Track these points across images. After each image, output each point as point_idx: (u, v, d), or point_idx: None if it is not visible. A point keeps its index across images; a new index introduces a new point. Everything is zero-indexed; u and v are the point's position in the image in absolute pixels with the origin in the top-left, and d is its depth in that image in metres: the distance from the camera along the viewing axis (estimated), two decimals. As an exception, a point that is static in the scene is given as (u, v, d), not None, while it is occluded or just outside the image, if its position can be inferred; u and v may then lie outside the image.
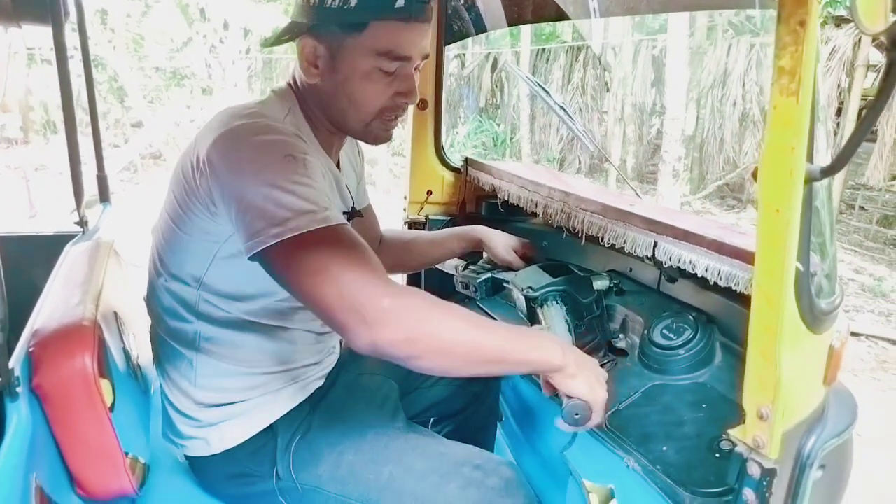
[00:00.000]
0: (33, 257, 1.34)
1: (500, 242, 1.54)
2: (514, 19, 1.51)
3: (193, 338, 1.10)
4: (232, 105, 1.07)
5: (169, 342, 1.13)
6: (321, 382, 1.27)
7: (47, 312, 0.93)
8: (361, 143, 1.36)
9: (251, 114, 1.00)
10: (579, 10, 1.37)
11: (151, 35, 10.22)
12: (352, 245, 0.87)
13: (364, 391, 1.32)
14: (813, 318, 0.81)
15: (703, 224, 1.18)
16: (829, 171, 0.69)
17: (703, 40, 8.43)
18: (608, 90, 10.13)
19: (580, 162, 10.33)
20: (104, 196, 1.60)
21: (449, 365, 0.88)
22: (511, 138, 10.74)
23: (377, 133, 1.11)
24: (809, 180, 0.71)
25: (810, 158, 0.72)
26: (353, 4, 0.97)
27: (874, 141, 8.16)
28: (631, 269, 1.56)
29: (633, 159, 9.84)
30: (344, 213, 1.22)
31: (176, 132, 8.42)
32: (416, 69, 1.08)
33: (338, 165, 1.22)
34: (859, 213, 8.06)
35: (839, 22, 7.19)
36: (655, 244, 1.19)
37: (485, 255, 1.67)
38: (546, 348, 0.96)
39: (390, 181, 8.37)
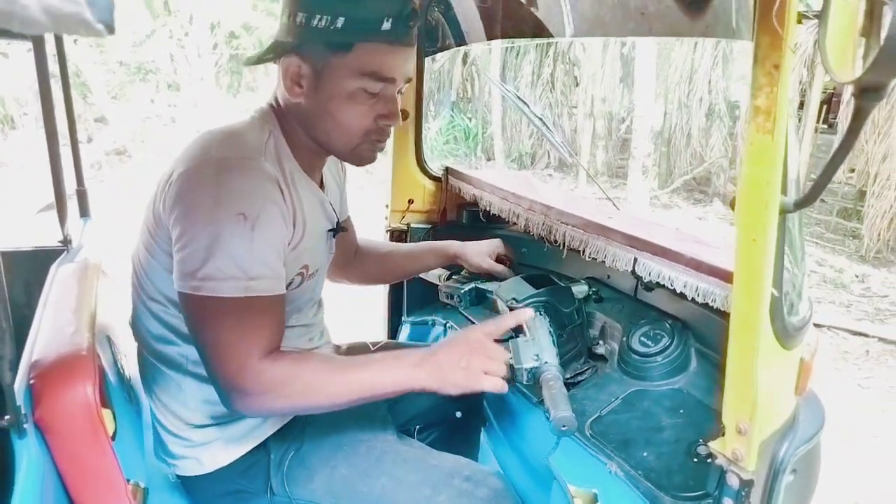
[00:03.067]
0: (13, 275, 1.32)
1: (474, 252, 1.56)
2: (493, 34, 1.54)
3: (180, 360, 1.11)
4: (214, 129, 1.07)
5: (156, 365, 1.14)
6: None
7: (44, 342, 0.93)
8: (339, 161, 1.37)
9: (227, 145, 1.01)
10: (557, 29, 1.41)
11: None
12: (258, 318, 0.96)
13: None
14: (786, 336, 0.86)
15: (681, 238, 1.23)
16: (801, 205, 0.74)
17: (671, 38, 8.56)
18: (577, 85, 10.23)
19: (549, 157, 10.43)
20: (84, 211, 1.59)
21: (323, 411, 1.03)
22: (483, 133, 10.78)
23: (363, 154, 1.12)
24: (783, 212, 0.76)
25: (784, 191, 0.77)
26: (339, 25, 0.97)
27: (835, 134, 8.44)
28: (609, 277, 1.61)
29: (602, 154, 9.98)
30: (329, 230, 1.24)
31: (141, 128, 8.25)
32: (399, 92, 1.09)
33: (321, 183, 1.23)
34: (820, 205, 8.32)
35: (800, 18, 7.38)
36: (635, 260, 1.24)
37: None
38: (408, 377, 1.03)
39: (364, 178, 8.35)
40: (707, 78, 7.92)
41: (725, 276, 1.07)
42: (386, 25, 0.98)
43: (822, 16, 0.67)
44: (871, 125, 7.22)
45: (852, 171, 8.10)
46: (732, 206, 0.80)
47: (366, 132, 1.08)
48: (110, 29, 0.37)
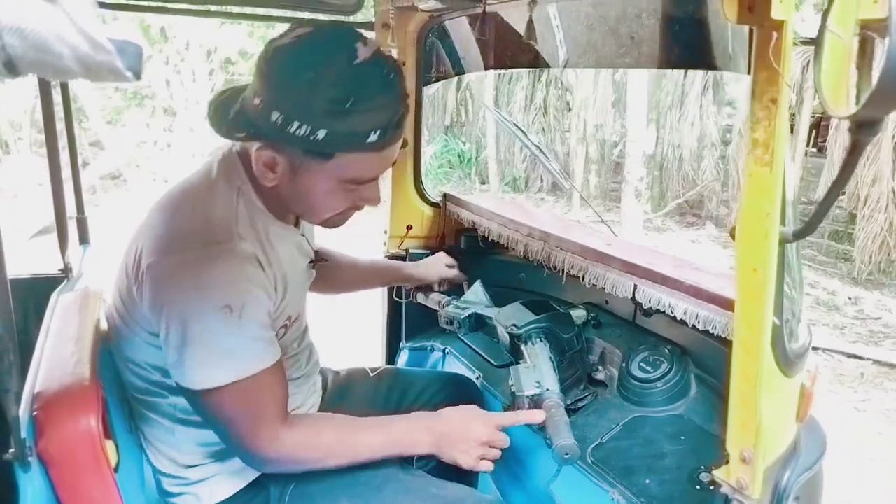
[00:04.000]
0: (14, 303, 1.31)
1: (428, 267, 1.70)
2: (490, 64, 1.56)
3: (169, 410, 1.11)
4: (178, 199, 1.04)
5: (146, 413, 1.13)
6: None
7: (46, 373, 0.92)
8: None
9: (198, 228, 0.97)
10: (552, 59, 1.44)
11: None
12: (264, 391, 0.99)
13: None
14: (787, 363, 0.87)
15: (680, 265, 1.24)
16: (800, 235, 0.75)
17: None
18: (570, 110, 10.34)
19: (543, 181, 10.51)
20: (84, 238, 1.59)
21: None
22: (477, 157, 10.85)
23: (335, 223, 1.10)
24: (783, 242, 0.77)
25: (783, 221, 0.79)
26: (320, 137, 0.90)
27: (824, 157, 8.53)
28: (607, 302, 1.62)
29: (595, 178, 10.05)
30: (309, 262, 1.24)
31: (136, 153, 8.28)
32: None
33: (297, 221, 1.19)
34: (729, 232, 8.32)
35: (794, 41, 7.52)
36: (635, 287, 1.25)
37: (466, 290, 1.71)
38: (416, 443, 1.12)
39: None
40: (698, 103, 8.04)
41: (725, 304, 1.09)
42: (372, 137, 0.92)
43: (816, 52, 0.69)
44: (859, 148, 7.31)
45: (842, 193, 8.19)
46: (732, 235, 0.81)
47: (342, 212, 1.07)
48: (138, 75, 0.38)
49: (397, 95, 0.94)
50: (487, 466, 1.14)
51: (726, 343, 1.31)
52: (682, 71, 8.24)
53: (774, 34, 0.70)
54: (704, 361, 1.38)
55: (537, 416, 1.16)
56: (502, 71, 10.62)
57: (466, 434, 1.11)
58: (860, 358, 4.64)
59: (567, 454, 1.09)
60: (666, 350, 1.40)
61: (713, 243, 7.72)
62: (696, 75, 8.03)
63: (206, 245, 0.96)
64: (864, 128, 0.66)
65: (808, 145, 8.02)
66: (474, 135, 11.05)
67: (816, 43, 0.69)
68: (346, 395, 1.45)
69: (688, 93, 8.17)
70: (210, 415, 0.99)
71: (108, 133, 8.46)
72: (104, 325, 1.15)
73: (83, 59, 0.34)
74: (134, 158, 8.25)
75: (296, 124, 0.90)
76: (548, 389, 1.24)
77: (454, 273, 1.72)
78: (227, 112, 0.99)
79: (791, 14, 0.70)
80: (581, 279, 1.42)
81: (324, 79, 0.88)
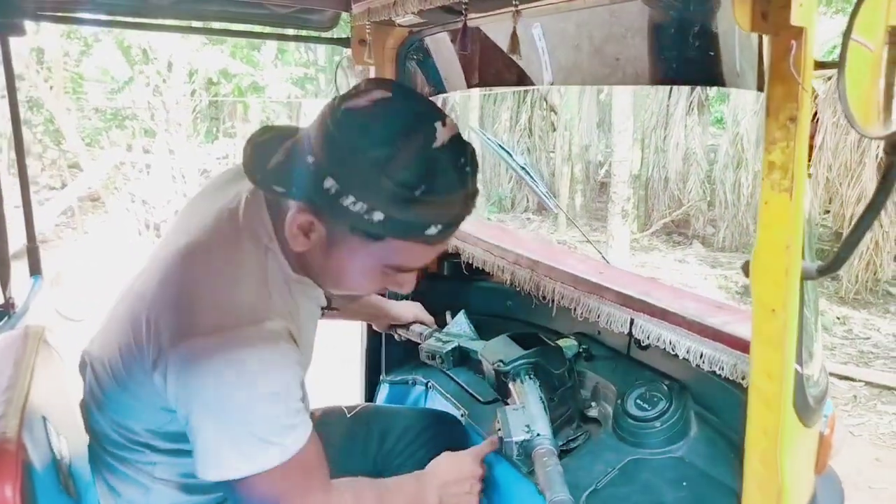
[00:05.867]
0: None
1: (401, 308, 1.62)
2: (473, 83, 1.48)
3: (149, 468, 1.00)
4: (197, 250, 0.91)
5: (117, 467, 1.02)
6: None
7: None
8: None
9: (227, 306, 0.86)
10: (536, 77, 1.35)
11: (91, 75, 9.93)
12: (310, 461, 0.92)
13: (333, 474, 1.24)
14: (807, 412, 0.77)
15: (680, 296, 1.15)
16: (826, 271, 0.66)
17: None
18: (554, 130, 10.36)
19: (528, 201, 10.48)
20: (35, 269, 1.47)
21: None
22: (462, 178, 10.83)
23: (353, 297, 1.07)
24: (804, 279, 0.68)
25: (803, 255, 0.70)
26: (375, 219, 0.81)
27: (809, 177, 8.58)
28: (599, 333, 1.52)
29: (581, 198, 10.04)
30: (322, 309, 1.16)
31: (115, 175, 8.13)
32: None
33: None
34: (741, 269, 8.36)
35: (817, 65, 7.57)
36: (632, 321, 1.15)
37: (449, 322, 1.62)
38: (428, 498, 1.11)
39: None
40: (683, 123, 8.06)
41: (732, 342, 0.99)
42: (432, 231, 0.84)
43: (840, 67, 0.60)
44: (843, 168, 7.37)
45: (826, 212, 8.23)
46: (746, 272, 0.71)
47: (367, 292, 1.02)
48: None
49: (469, 192, 0.86)
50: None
51: (731, 379, 1.23)
52: (667, 92, 8.28)
53: (793, 43, 0.62)
54: (705, 398, 1.29)
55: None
56: (486, 91, 10.65)
57: (461, 476, 1.15)
58: (852, 380, 4.57)
59: (562, 511, 0.99)
60: (664, 386, 1.30)
61: (701, 263, 7.69)
62: (681, 96, 8.06)
63: (240, 327, 0.85)
64: (902, 149, 0.57)
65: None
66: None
67: (840, 55, 0.60)
68: (324, 437, 1.34)
69: (672, 113, 8.19)
70: (255, 499, 0.89)
71: (86, 155, 8.31)
72: (46, 365, 1.02)
73: None
74: (112, 180, 8.10)
75: (351, 199, 0.80)
76: (538, 434, 1.14)
77: (429, 318, 1.64)
78: (266, 158, 0.88)
79: (812, 21, 0.61)
80: (573, 311, 1.32)
81: (397, 159, 0.79)
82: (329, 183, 0.80)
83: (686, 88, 7.79)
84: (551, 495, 0.99)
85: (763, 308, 0.68)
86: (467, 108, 9.83)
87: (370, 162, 0.78)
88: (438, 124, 0.82)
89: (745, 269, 0.71)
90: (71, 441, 1.03)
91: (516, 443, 1.13)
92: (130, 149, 7.79)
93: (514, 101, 10.45)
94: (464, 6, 1.04)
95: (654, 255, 8.05)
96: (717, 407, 1.26)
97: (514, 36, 0.93)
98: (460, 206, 0.86)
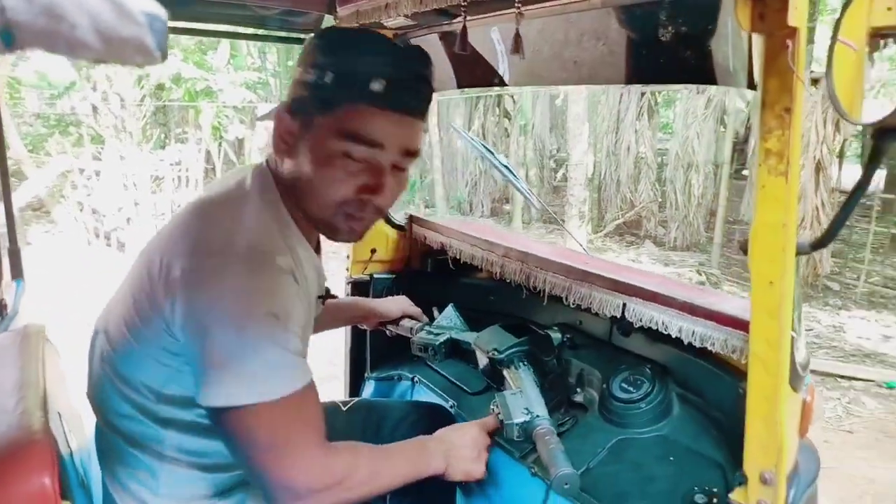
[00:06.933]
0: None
1: (390, 303, 1.65)
2: (464, 83, 1.53)
3: (157, 445, 1.00)
4: (211, 205, 0.99)
5: (126, 447, 1.01)
6: None
7: (-13, 426, 0.80)
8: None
9: (235, 232, 0.92)
10: (521, 78, 1.42)
11: (29, 80, 9.53)
12: (307, 410, 0.92)
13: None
14: (796, 378, 0.85)
15: (663, 281, 1.23)
16: (818, 245, 0.74)
17: (597, 89, 9.02)
18: (508, 136, 10.53)
19: (483, 205, 10.63)
20: (17, 273, 1.43)
21: (370, 497, 1.02)
22: (421, 181, 10.88)
23: (338, 227, 1.02)
24: (799, 253, 0.75)
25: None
26: (327, 80, 0.93)
27: (745, 179, 9.00)
28: (581, 323, 1.58)
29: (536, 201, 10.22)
30: (319, 297, 1.18)
31: (61, 182, 7.83)
32: (396, 168, 1.01)
33: (317, 247, 1.15)
34: (737, 246, 8.78)
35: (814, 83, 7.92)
36: (624, 305, 1.22)
37: (437, 315, 1.66)
38: (430, 465, 1.10)
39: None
40: (633, 127, 8.33)
41: (722, 320, 1.07)
42: (376, 87, 0.92)
43: (828, 63, 0.68)
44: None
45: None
46: (743, 249, 0.79)
47: (342, 202, 0.98)
48: (165, 55, 0.31)
49: (410, 61, 0.97)
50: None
51: (707, 358, 1.31)
52: (618, 97, 8.56)
53: (789, 42, 0.69)
54: (684, 379, 1.37)
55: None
56: (441, 97, 10.74)
57: (468, 442, 1.14)
58: (798, 369, 4.82)
59: (567, 484, 1.04)
60: (647, 369, 1.38)
61: (654, 262, 7.95)
62: (632, 101, 8.33)
63: (249, 250, 0.90)
64: (888, 134, 0.65)
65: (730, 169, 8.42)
66: (418, 161, 11.07)
67: (828, 55, 0.68)
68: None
69: (623, 118, 8.46)
70: (242, 438, 0.88)
71: (30, 162, 7.97)
72: (52, 363, 1.02)
73: (105, 31, 0.27)
74: (59, 188, 7.80)
75: (310, 71, 0.95)
76: (538, 416, 1.19)
77: (417, 311, 1.66)
78: None
79: (804, 21, 0.69)
80: (564, 299, 1.38)
81: (341, 37, 0.98)
82: (297, 71, 0.98)
83: (636, 95, 8.07)
84: (556, 470, 1.04)
85: (762, 281, 0.75)
86: (429, 114, 9.91)
87: (321, 44, 0.97)
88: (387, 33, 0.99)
89: (743, 246, 0.78)
90: (78, 436, 1.03)
91: (517, 424, 1.17)
92: (78, 156, 7.50)
93: (467, 107, 10.58)
94: (463, 8, 1.09)
95: (609, 256, 8.27)
96: (696, 387, 1.34)
97: (517, 36, 0.98)
98: (402, 70, 0.95)
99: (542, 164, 10.35)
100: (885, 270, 6.82)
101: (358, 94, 0.93)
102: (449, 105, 10.66)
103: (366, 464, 0.99)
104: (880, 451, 3.62)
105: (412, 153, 1.01)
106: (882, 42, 0.66)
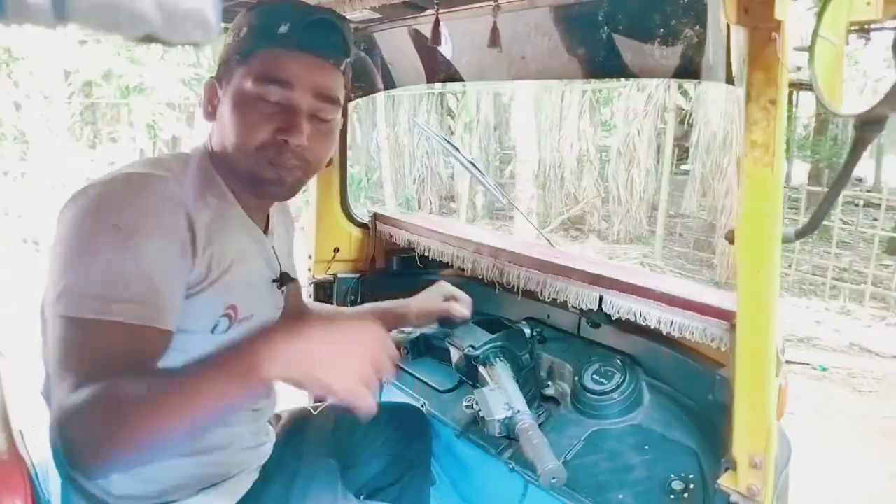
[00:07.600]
0: None
1: (424, 300, 1.37)
2: (434, 77, 1.51)
3: None
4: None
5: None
6: (256, 475, 1.16)
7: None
8: (291, 214, 1.27)
9: (136, 164, 0.95)
10: (497, 72, 1.41)
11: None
12: (110, 345, 0.78)
13: (307, 476, 1.22)
14: (778, 364, 0.88)
15: (635, 272, 1.25)
16: (802, 234, 0.76)
17: (540, 88, 9.17)
18: (452, 133, 10.58)
19: (431, 202, 10.65)
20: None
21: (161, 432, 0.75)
22: (368, 179, 10.79)
23: (265, 176, 0.97)
24: (784, 242, 0.78)
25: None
26: (242, 35, 0.98)
27: (687, 174, 9.34)
28: (548, 317, 1.60)
29: (482, 198, 10.31)
30: (273, 280, 1.13)
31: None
32: (315, 117, 0.99)
33: (266, 229, 1.12)
34: (679, 239, 9.12)
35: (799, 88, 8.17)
36: (601, 298, 1.23)
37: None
38: (253, 364, 0.72)
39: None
40: (576, 125, 8.51)
41: (700, 309, 1.09)
42: (283, 29, 0.96)
43: (810, 56, 0.70)
44: (713, 165, 8.10)
45: (701, 206, 9.01)
46: (730, 239, 0.81)
47: (260, 145, 0.96)
48: (219, 33, 0.29)
49: (318, 7, 1.01)
50: (368, 395, 0.74)
51: (676, 347, 1.34)
52: (560, 95, 8.71)
53: (775, 35, 0.71)
54: (654, 369, 1.40)
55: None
56: (385, 96, 10.68)
57: (350, 339, 0.75)
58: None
59: (553, 478, 1.04)
60: (617, 360, 1.40)
61: (599, 255, 8.14)
62: (573, 99, 8.50)
63: (131, 174, 0.88)
64: (870, 125, 0.67)
65: (671, 164, 8.72)
66: (363, 158, 10.98)
67: (810, 48, 0.70)
68: (294, 438, 1.32)
69: (566, 115, 8.62)
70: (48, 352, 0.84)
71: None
72: (4, 378, 0.94)
73: (166, 4, 0.24)
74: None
75: (231, 34, 0.99)
76: (518, 411, 1.19)
77: (463, 295, 1.36)
78: None
79: (788, 15, 0.71)
80: (539, 294, 1.39)
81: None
82: (221, 54, 1.02)
83: (578, 92, 8.23)
84: (543, 464, 1.04)
85: (749, 269, 0.77)
86: (373, 110, 9.85)
87: (242, 13, 1.01)
88: None
89: (730, 236, 0.80)
90: (37, 452, 0.96)
91: (498, 421, 1.17)
92: (0, 156, 7.07)
93: (410, 105, 10.57)
94: (435, 2, 1.07)
95: (555, 251, 8.42)
96: (666, 376, 1.38)
97: (494, 30, 0.98)
98: (304, 11, 0.99)
99: (488, 161, 10.45)
100: (814, 259, 7.19)
101: (266, 39, 0.96)
102: (395, 102, 10.62)
103: (126, 385, 0.75)
104: (826, 433, 3.77)
105: (328, 98, 1.00)
106: (865, 39, 0.69)
